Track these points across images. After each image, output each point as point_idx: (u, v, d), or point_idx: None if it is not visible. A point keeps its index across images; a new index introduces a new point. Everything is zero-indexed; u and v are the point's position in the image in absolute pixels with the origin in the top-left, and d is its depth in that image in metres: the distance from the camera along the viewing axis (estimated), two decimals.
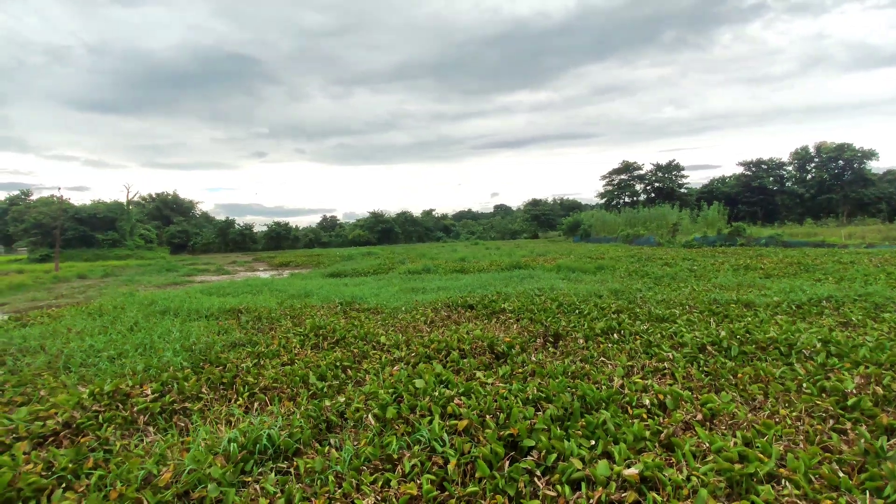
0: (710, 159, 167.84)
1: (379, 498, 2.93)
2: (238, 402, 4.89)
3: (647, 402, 4.20)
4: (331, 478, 3.16)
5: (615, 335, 6.87)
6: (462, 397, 4.38)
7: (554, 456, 3.22)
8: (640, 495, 2.81)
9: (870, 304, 8.45)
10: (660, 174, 73.98)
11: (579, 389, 4.44)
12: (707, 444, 3.35)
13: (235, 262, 43.71)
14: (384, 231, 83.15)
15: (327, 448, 3.69)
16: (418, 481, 3.10)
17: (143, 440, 4.05)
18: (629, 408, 4.13)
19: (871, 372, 4.69)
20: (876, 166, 61.24)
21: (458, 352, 6.17)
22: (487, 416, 3.89)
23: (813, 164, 64.26)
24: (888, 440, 3.49)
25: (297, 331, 7.86)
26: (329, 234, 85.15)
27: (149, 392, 4.85)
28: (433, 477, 3.13)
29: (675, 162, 73.40)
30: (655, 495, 2.73)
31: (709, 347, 5.98)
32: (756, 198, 64.56)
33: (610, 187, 78.30)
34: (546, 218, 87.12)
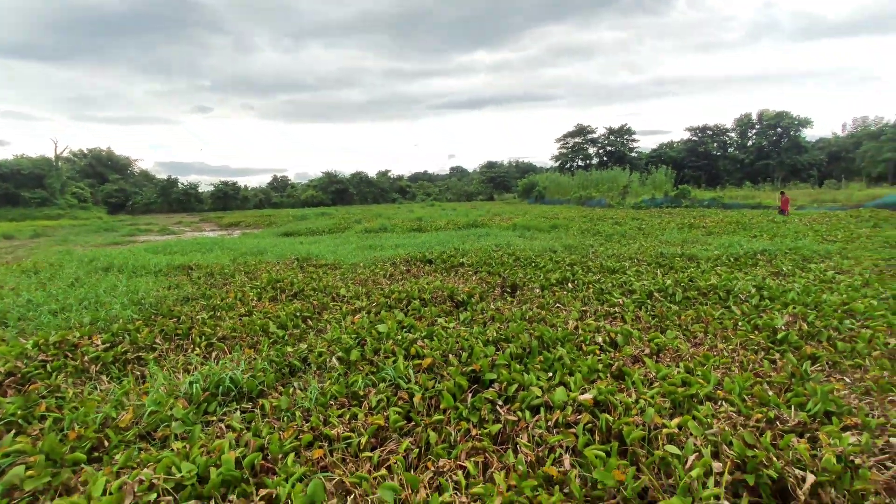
0: (661, 125, 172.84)
1: (347, 429, 3.01)
2: (195, 352, 4.79)
3: (599, 340, 4.45)
4: (298, 413, 3.21)
5: (569, 285, 7.15)
6: (425, 340, 4.48)
7: (514, 387, 3.38)
8: (594, 417, 3.01)
9: (798, 257, 9.16)
10: (612, 138, 75.48)
11: (536, 331, 4.64)
12: (654, 373, 3.61)
13: (181, 223, 41.76)
14: (338, 192, 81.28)
15: (292, 389, 3.72)
16: (385, 413, 3.19)
17: (97, 388, 3.93)
18: (583, 345, 4.36)
19: (799, 311, 5.15)
20: (810, 134, 65.00)
21: (418, 301, 6.25)
22: (450, 356, 4.01)
23: (754, 131, 67.32)
24: (811, 366, 3.88)
25: (253, 284, 7.70)
26: (280, 194, 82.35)
27: (99, 343, 4.67)
28: (399, 410, 3.23)
29: (628, 126, 74.99)
30: (607, 416, 2.94)
31: (656, 294, 6.34)
32: (701, 162, 67.24)
33: (564, 150, 79.29)
34: (502, 180, 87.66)
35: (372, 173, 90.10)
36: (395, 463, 2.62)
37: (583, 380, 3.47)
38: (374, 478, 2.52)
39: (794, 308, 5.30)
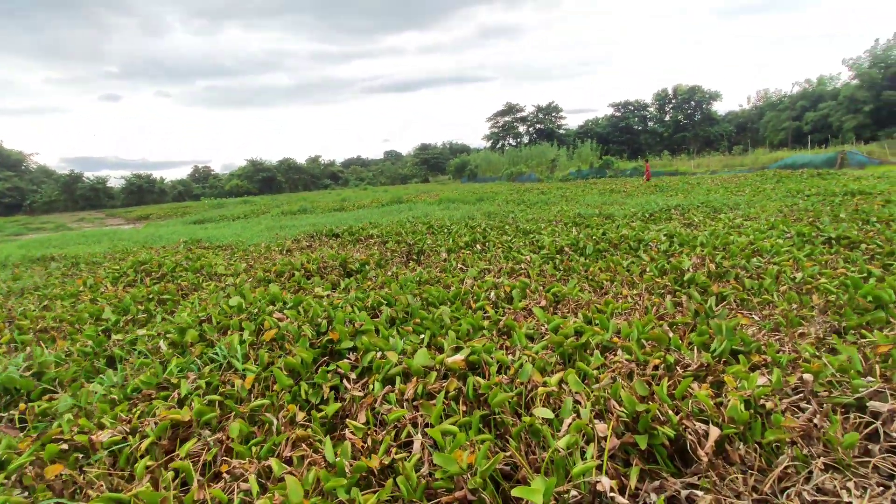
0: (587, 103, 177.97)
1: (127, 430, 2.19)
2: None
3: (493, 296, 3.85)
4: (68, 416, 2.34)
5: (478, 247, 6.58)
6: (286, 311, 3.69)
7: (372, 355, 2.68)
8: (465, 381, 2.38)
9: (709, 209, 9.13)
10: (541, 115, 76.58)
11: (425, 292, 3.98)
12: (545, 325, 3.04)
13: (83, 220, 38.01)
14: (265, 180, 77.34)
15: (93, 384, 2.82)
16: (193, 405, 2.40)
17: None
18: (472, 303, 3.74)
19: (707, 253, 4.82)
20: (721, 108, 69.08)
21: (302, 272, 5.42)
22: (305, 326, 3.25)
23: (671, 105, 70.49)
24: (719, 304, 3.48)
25: (111, 268, 6.53)
26: (202, 186, 77.35)
27: None
28: (217, 397, 2.45)
29: (555, 104, 76.26)
30: (479, 378, 2.31)
31: (566, 248, 5.88)
32: (624, 137, 69.71)
33: (495, 129, 79.65)
34: (435, 161, 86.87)
35: (301, 160, 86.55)
36: (172, 471, 1.85)
37: (458, 339, 2.84)
38: (136, 495, 1.74)
39: (703, 250, 4.99)
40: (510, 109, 78.29)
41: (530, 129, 77.89)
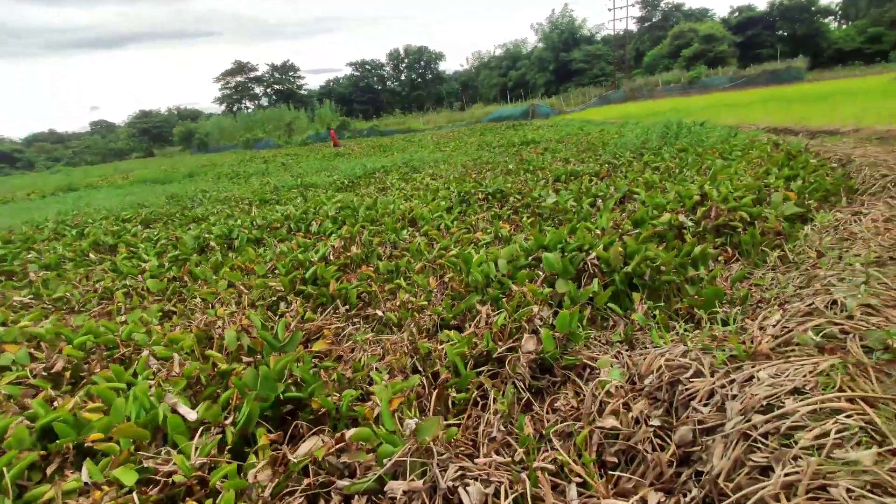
0: (329, 63, 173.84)
1: None
2: None
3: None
4: None
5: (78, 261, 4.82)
6: None
7: None
8: None
9: (409, 169, 9.00)
10: (277, 76, 71.44)
11: None
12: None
13: None
14: None
15: None
16: None
17: None
18: None
19: (355, 231, 4.20)
20: (448, 68, 75.51)
21: None
22: None
23: (404, 65, 73.74)
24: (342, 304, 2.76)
25: None
26: None
27: None
28: None
29: (291, 63, 71.82)
30: None
31: (212, 244, 4.65)
32: (366, 96, 70.49)
33: (227, 91, 71.32)
34: (159, 131, 73.89)
35: None
36: None
37: None
38: None
39: (353, 228, 4.36)
40: (241, 68, 70.73)
41: (268, 90, 72.14)
